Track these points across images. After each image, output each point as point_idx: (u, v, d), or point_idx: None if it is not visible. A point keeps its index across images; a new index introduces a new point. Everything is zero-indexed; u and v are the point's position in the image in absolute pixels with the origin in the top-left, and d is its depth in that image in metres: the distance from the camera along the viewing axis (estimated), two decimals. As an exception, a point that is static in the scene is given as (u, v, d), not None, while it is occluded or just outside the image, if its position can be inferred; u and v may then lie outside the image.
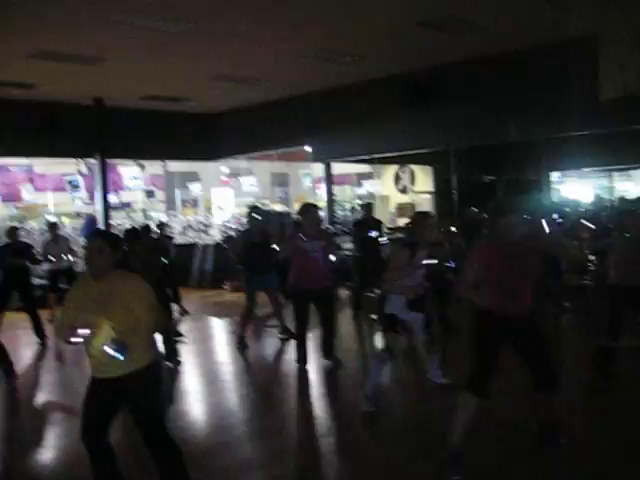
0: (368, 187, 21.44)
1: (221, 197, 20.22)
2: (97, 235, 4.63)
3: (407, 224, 7.12)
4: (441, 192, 18.12)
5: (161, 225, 13.64)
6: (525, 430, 5.58)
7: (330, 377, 8.03)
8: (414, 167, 18.71)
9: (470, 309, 5.09)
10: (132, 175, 19.04)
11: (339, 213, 19.68)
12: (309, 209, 8.25)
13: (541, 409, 5.39)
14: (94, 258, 4.19)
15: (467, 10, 9.54)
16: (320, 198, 17.72)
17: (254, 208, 10.59)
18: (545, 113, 11.80)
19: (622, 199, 15.95)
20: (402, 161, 18.14)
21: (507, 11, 9.58)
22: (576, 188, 23.37)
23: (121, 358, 4.05)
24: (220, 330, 11.91)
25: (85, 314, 4.13)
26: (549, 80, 11.54)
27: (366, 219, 12.21)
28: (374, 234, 11.67)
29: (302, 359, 8.14)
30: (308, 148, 16.08)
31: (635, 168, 23.96)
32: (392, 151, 14.80)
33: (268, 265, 9.50)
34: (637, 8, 9.32)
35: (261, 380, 8.33)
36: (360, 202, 18.40)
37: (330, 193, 17.11)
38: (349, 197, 22.30)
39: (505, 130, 12.28)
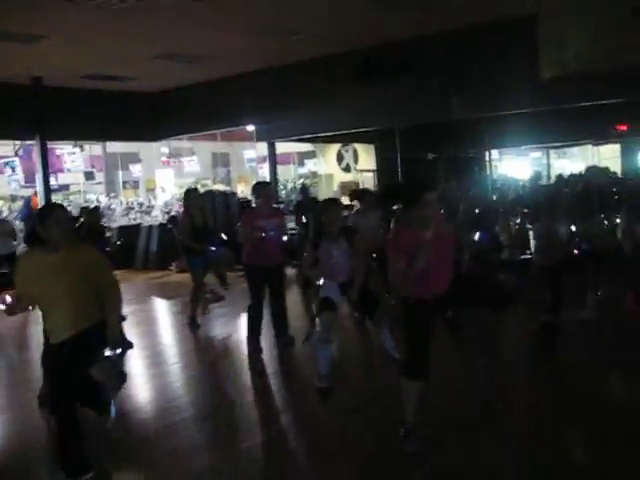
0: (311, 166, 21.49)
1: (162, 178, 20.02)
2: (62, 208, 5.01)
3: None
4: (384, 170, 18.30)
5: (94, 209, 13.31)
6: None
7: (283, 355, 8.05)
8: (357, 146, 18.83)
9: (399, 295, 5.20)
10: (71, 156, 18.67)
11: (282, 192, 19.71)
12: (264, 188, 8.26)
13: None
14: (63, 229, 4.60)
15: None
16: (262, 178, 17.69)
17: (194, 190, 10.52)
18: (487, 91, 11.98)
19: (558, 177, 16.30)
20: (345, 140, 18.22)
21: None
22: (514, 165, 23.84)
23: None
24: (167, 311, 11.82)
25: (41, 286, 4.53)
26: (491, 59, 11.70)
27: (304, 200, 12.28)
28: None
29: (256, 337, 8.10)
30: (251, 128, 16.01)
31: (571, 146, 24.55)
32: (336, 130, 14.85)
33: (211, 245, 9.49)
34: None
35: (212, 360, 8.29)
36: (301, 182, 18.50)
37: (274, 173, 17.07)
38: (292, 176, 22.33)
39: (447, 108, 12.43)
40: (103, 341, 4.77)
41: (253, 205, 8.77)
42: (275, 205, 9.04)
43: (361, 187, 16.65)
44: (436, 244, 4.84)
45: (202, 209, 9.83)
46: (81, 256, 4.69)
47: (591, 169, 12.55)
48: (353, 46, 12.73)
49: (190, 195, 9.90)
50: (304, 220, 12.10)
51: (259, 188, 8.27)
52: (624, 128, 19.23)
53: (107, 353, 4.54)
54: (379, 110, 13.24)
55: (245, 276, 8.33)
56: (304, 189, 12.50)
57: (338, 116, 13.91)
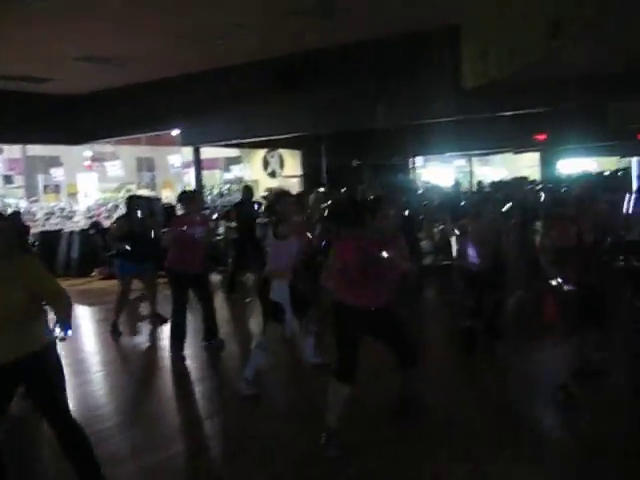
0: (237, 172, 21.41)
1: (85, 182, 19.62)
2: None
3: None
4: (310, 176, 18.37)
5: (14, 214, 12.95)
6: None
7: (209, 360, 8.01)
8: (283, 151, 18.84)
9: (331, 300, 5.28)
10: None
11: (207, 198, 19.57)
12: (194, 196, 8.33)
13: (402, 385, 5.68)
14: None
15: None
16: (187, 183, 17.54)
17: (136, 197, 10.41)
18: (411, 100, 12.15)
19: (479, 184, 16.70)
20: (271, 145, 18.21)
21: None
22: (438, 172, 24.27)
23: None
24: (89, 319, 11.56)
25: None
26: (415, 67, 11.86)
27: (245, 201, 12.21)
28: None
29: (180, 343, 8.03)
30: (176, 132, 15.85)
31: (492, 154, 25.15)
32: (262, 135, 14.82)
33: (145, 254, 9.33)
34: (497, -1, 9.71)
35: (135, 367, 8.19)
36: (229, 186, 18.42)
37: (199, 178, 16.92)
38: (218, 182, 22.19)
39: (373, 116, 12.56)
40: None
41: (178, 212, 8.75)
42: (202, 212, 9.01)
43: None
44: (372, 254, 4.96)
45: (143, 217, 9.68)
46: (18, 266, 4.16)
47: (514, 181, 12.89)
48: (278, 52, 12.72)
49: (132, 202, 9.78)
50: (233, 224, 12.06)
51: (185, 197, 8.31)
52: (543, 137, 19.80)
53: (56, 333, 4.23)
54: (305, 116, 13.29)
55: (168, 282, 8.26)
56: (247, 190, 12.34)
57: (264, 122, 13.90)
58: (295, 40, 11.98)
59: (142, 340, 9.54)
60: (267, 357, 6.68)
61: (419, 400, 5.76)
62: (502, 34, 9.96)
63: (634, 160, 18.57)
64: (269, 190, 19.08)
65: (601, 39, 9.10)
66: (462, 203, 12.39)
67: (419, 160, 21.52)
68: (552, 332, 8.13)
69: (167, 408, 6.48)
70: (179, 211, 8.67)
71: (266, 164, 19.36)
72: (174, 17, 10.37)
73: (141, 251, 9.25)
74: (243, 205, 12.09)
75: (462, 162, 26.72)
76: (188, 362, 7.90)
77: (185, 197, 8.37)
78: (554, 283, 6.00)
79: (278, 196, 7.07)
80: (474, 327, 7.48)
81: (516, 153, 23.81)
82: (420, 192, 15.56)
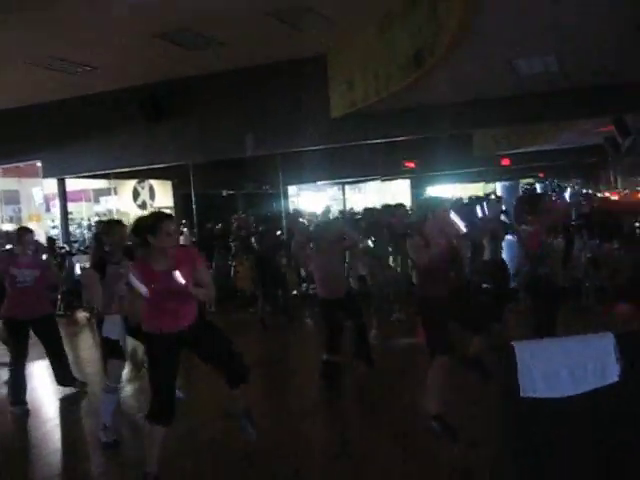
0: (105, 204, 20.70)
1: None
2: None
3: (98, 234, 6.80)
4: (181, 207, 18.01)
5: None
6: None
7: (65, 407, 7.53)
8: (154, 182, 18.38)
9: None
10: None
11: (76, 231, 18.82)
12: (23, 233, 7.46)
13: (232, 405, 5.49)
14: None
15: (204, 25, 9.50)
16: (54, 216, 16.80)
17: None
18: (282, 128, 12.13)
19: (351, 210, 16.88)
20: (141, 176, 17.74)
21: (244, 28, 9.67)
22: (312, 200, 24.35)
23: None
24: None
25: None
26: (286, 96, 11.87)
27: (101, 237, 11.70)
28: None
29: (20, 396, 7.31)
30: (39, 163, 15.15)
31: (364, 181, 25.53)
32: (130, 166, 14.37)
33: None
34: (363, 30, 9.82)
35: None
36: (97, 219, 17.74)
37: (65, 210, 16.21)
38: (87, 214, 21.38)
39: (243, 145, 12.44)
40: None
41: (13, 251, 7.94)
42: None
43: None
44: (168, 277, 4.68)
45: None
46: None
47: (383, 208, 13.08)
48: (145, 80, 12.42)
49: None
50: None
51: (19, 234, 7.49)
52: (412, 165, 20.27)
53: None
54: (172, 146, 13.01)
55: (6, 331, 7.46)
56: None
57: (132, 152, 13.49)
58: (163, 68, 11.72)
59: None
60: (118, 398, 6.33)
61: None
62: (367, 65, 10.12)
63: (498, 185, 19.26)
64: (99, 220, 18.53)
65: (458, 70, 9.37)
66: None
67: (293, 189, 21.53)
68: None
69: (12, 462, 5.92)
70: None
71: (136, 195, 18.82)
72: (38, 44, 9.91)
73: None
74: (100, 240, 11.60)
75: (335, 190, 26.97)
76: (42, 410, 7.38)
77: (18, 233, 7.56)
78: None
79: (110, 226, 6.67)
80: (330, 360, 7.38)
81: (384, 180, 24.29)
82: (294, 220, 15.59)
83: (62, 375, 7.80)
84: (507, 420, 3.44)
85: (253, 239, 12.18)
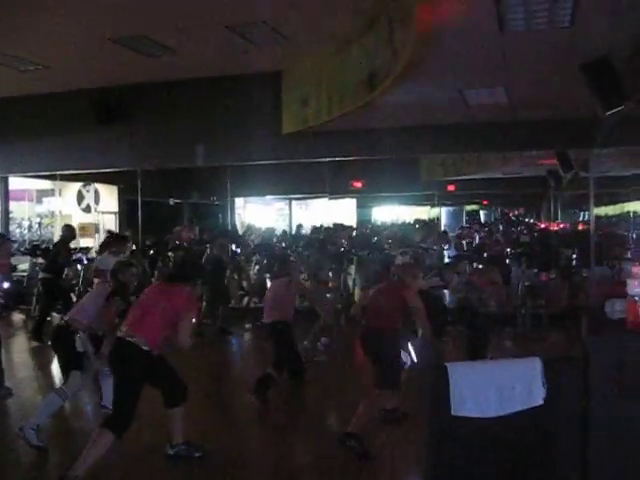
0: (48, 205, 20.36)
1: None
2: None
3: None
4: (126, 213, 17.84)
5: None
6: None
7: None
8: (99, 186, 18.15)
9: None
10: None
11: (16, 231, 18.49)
12: None
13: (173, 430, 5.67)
14: None
15: (160, 32, 9.49)
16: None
17: None
18: (232, 141, 12.13)
19: (299, 227, 17.02)
20: (86, 179, 17.51)
21: (199, 38, 9.67)
22: (259, 213, 24.38)
23: None
24: None
25: None
26: (237, 109, 11.87)
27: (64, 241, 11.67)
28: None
29: None
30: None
31: (310, 198, 25.64)
32: (78, 168, 14.20)
33: None
34: (317, 47, 9.93)
35: None
36: (39, 220, 17.53)
37: (6, 210, 15.93)
38: (28, 214, 21.01)
39: (193, 155, 12.42)
40: None
41: None
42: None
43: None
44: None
45: None
46: None
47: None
48: (97, 83, 12.29)
49: None
50: None
51: None
52: (359, 185, 20.45)
53: None
54: (122, 151, 12.88)
55: None
56: (69, 229, 11.81)
57: (78, 154, 13.30)
58: (117, 72, 11.63)
59: None
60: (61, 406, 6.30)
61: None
62: (321, 84, 10.23)
63: (443, 210, 19.58)
64: (82, 226, 18.34)
65: (410, 95, 9.57)
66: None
67: (239, 201, 21.54)
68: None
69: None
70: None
71: (80, 198, 18.53)
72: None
73: None
74: (62, 244, 11.53)
75: (282, 204, 27.03)
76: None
77: None
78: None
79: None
80: (273, 375, 7.52)
81: (331, 199, 24.46)
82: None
83: None
84: (435, 436, 3.55)
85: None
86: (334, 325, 10.56)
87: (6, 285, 10.15)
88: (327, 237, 14.15)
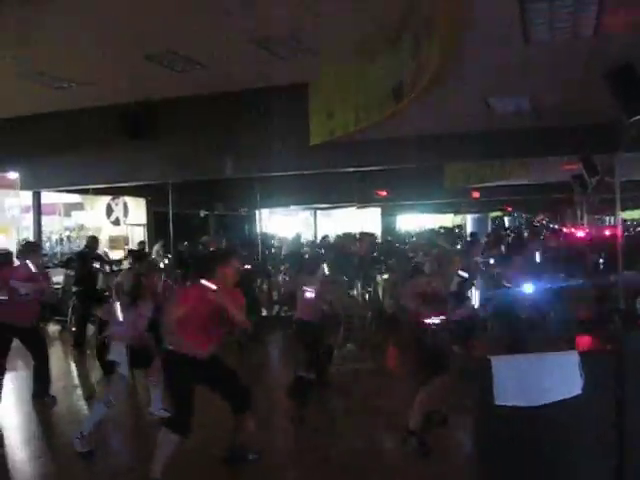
0: (78, 218, 20.70)
1: None
2: None
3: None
4: (155, 225, 18.11)
5: None
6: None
7: (41, 418, 7.56)
8: (128, 199, 18.46)
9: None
10: None
11: (46, 245, 18.81)
12: (30, 247, 7.87)
13: (233, 433, 5.76)
14: None
15: (190, 48, 9.70)
16: (26, 228, 16.77)
17: None
18: (259, 153, 12.30)
19: (325, 237, 17.14)
20: (115, 192, 17.82)
21: (227, 53, 9.87)
22: (285, 224, 24.62)
23: None
24: None
25: None
26: (264, 122, 12.04)
27: (88, 252, 11.92)
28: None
29: None
30: (14, 175, 15.17)
31: (335, 208, 25.84)
32: (108, 182, 14.48)
33: None
34: (345, 60, 10.09)
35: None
36: (68, 233, 17.80)
37: (38, 224, 16.24)
38: (58, 228, 21.36)
39: (221, 167, 12.61)
40: None
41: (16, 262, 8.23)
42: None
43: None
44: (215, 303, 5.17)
45: None
46: None
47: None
48: (126, 99, 12.52)
49: None
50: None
51: (27, 248, 7.87)
52: (384, 194, 20.61)
53: None
54: (151, 165, 13.11)
55: None
56: (93, 240, 12.07)
57: (109, 168, 13.55)
58: (144, 88, 11.86)
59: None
60: (108, 413, 6.47)
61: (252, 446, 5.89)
62: (347, 97, 10.38)
63: (468, 217, 19.66)
64: (112, 238, 18.63)
65: (435, 105, 9.70)
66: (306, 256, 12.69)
67: (265, 212, 21.76)
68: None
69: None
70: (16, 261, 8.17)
71: (110, 211, 18.88)
72: (22, 58, 9.99)
73: None
74: (87, 255, 11.78)
75: (307, 214, 27.25)
76: (13, 420, 7.44)
77: (23, 248, 7.90)
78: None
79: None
80: (304, 377, 7.57)
81: (359, 208, 24.60)
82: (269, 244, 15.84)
83: (40, 386, 7.90)
84: (482, 425, 3.75)
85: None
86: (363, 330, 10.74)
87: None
88: (346, 242, 14.09)
